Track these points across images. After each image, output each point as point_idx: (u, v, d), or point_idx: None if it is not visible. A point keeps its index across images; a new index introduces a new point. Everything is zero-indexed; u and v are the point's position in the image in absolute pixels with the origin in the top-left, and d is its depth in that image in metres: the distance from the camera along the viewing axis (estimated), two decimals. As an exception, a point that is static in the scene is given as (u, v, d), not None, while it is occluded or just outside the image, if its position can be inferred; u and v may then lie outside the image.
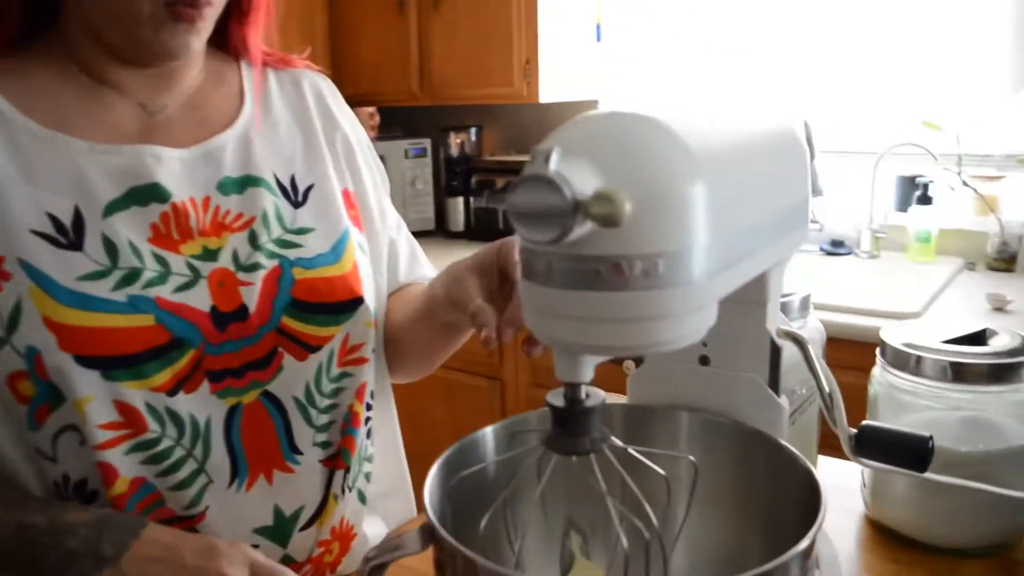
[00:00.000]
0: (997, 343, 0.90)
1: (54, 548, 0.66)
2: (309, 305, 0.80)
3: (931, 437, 0.67)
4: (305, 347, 0.81)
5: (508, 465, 0.64)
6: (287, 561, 0.82)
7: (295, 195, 0.84)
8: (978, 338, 0.93)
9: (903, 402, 0.90)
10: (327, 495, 0.84)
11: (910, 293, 1.77)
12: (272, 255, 0.79)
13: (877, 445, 0.68)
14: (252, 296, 0.77)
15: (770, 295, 0.69)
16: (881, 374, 0.93)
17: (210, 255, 0.76)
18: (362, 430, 0.87)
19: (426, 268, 1.04)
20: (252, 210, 0.80)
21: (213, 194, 0.78)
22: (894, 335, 0.93)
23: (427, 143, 2.85)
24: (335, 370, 0.83)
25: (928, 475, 0.79)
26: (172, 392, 0.73)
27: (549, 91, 2.46)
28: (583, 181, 0.46)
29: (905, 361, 0.89)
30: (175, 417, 0.74)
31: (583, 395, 0.57)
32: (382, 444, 0.95)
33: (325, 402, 0.83)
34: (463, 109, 2.83)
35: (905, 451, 0.67)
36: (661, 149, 0.50)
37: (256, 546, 0.78)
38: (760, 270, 0.64)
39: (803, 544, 0.52)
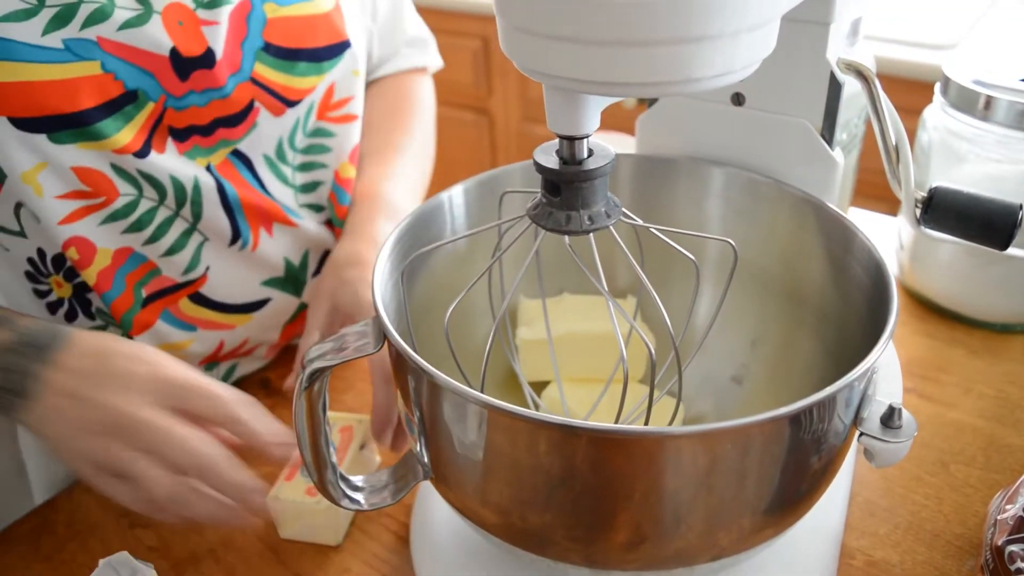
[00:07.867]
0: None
1: None
2: (285, 50, 0.66)
3: (1021, 206, 0.52)
4: (282, 100, 0.67)
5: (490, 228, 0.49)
6: (302, 310, 0.76)
7: None
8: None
9: (961, 152, 0.74)
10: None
11: (942, 20, 1.56)
12: None
13: (951, 213, 0.54)
14: (218, 37, 0.61)
15: (836, 9, 0.51)
16: (938, 117, 0.77)
17: None
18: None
19: (409, 24, 0.87)
20: None
21: None
22: (959, 69, 0.76)
23: None
24: (313, 123, 0.71)
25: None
26: (141, 153, 0.60)
27: None
28: None
29: (972, 102, 0.73)
30: (151, 179, 0.61)
31: (584, 152, 0.41)
32: None
33: (300, 159, 0.71)
34: None
35: (986, 222, 0.53)
36: None
37: (267, 300, 0.72)
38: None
39: (860, 368, 0.39)
